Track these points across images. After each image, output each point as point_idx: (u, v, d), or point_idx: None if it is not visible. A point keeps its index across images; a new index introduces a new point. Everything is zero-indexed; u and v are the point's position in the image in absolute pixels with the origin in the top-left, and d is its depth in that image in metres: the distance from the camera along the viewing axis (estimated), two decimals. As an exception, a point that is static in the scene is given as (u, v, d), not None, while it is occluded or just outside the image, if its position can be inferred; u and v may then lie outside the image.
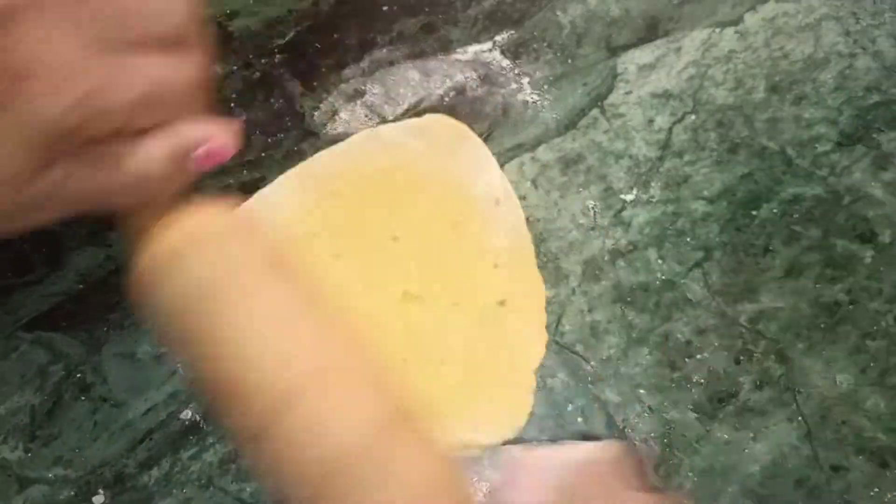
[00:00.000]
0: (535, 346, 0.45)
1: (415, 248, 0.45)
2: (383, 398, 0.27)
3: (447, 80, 0.49)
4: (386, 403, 0.26)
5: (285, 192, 0.46)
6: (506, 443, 0.42)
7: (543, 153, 0.48)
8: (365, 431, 0.24)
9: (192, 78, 0.33)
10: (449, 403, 0.42)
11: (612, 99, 0.49)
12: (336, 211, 0.46)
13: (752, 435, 0.44)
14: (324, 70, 0.49)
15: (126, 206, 0.30)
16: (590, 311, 0.46)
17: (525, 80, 0.50)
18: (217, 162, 0.30)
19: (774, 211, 0.49)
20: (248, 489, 0.41)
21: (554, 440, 0.43)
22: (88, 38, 0.26)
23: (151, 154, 0.28)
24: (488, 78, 0.50)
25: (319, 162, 0.47)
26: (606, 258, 0.47)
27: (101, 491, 0.41)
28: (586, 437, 0.44)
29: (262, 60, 0.49)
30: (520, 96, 0.49)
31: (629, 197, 0.48)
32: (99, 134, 0.27)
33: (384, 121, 0.47)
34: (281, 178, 0.46)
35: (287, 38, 0.49)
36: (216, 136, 0.30)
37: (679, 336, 0.46)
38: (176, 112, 0.29)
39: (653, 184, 0.48)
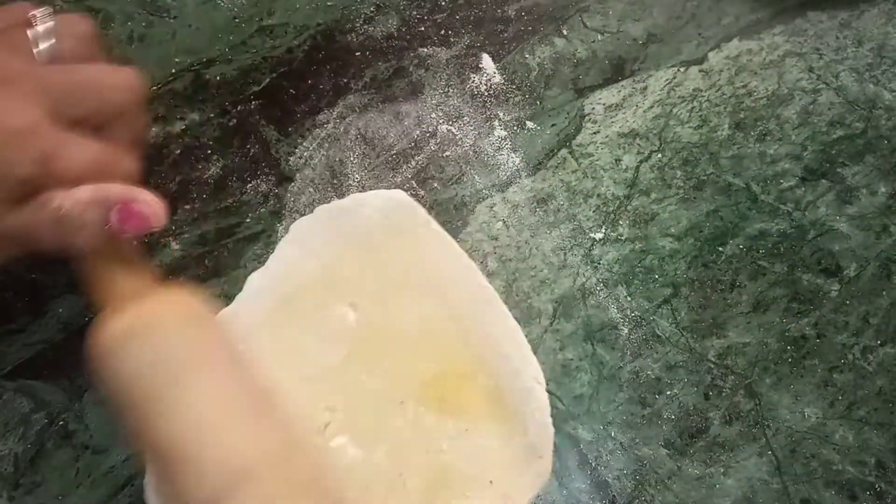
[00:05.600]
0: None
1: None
2: (321, 488, 0.29)
3: (420, 124, 0.50)
4: (325, 493, 0.29)
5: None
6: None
7: (514, 194, 0.49)
8: None
9: (128, 152, 0.36)
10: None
11: (580, 139, 0.50)
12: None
13: (722, 470, 0.45)
14: (298, 116, 0.50)
15: (50, 245, 0.33)
16: (561, 349, 0.47)
17: (495, 122, 0.51)
18: (139, 226, 0.33)
19: (740, 247, 0.49)
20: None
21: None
22: (45, 110, 0.30)
23: (73, 196, 0.30)
24: (459, 120, 0.51)
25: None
26: (577, 296, 0.48)
27: (81, 539, 0.42)
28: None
29: (238, 107, 0.50)
30: (490, 138, 0.50)
31: (598, 235, 0.49)
32: (44, 189, 0.30)
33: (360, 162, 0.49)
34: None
35: (262, 85, 0.50)
36: (140, 201, 0.32)
37: (649, 373, 0.47)
38: (111, 179, 0.32)
39: (621, 222, 0.49)
